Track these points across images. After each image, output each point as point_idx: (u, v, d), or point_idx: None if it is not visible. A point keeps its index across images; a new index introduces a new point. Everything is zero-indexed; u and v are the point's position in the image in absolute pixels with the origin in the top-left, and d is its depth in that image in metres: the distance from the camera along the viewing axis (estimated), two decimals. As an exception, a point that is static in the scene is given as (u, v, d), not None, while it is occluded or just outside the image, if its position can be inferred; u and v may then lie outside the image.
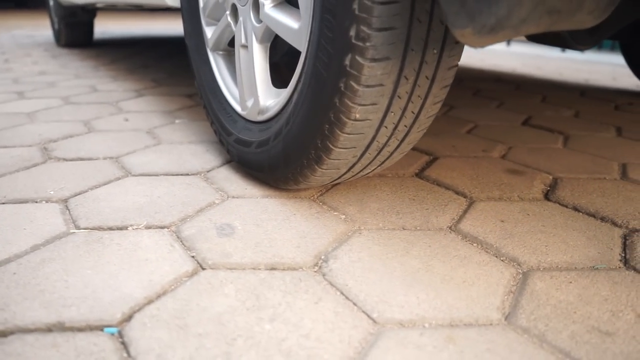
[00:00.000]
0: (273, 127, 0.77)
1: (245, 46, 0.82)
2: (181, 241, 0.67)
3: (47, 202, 0.80)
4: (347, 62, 0.58)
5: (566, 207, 0.81)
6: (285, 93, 0.74)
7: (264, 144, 0.78)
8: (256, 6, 0.77)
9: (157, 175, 0.91)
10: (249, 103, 0.84)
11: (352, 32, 0.56)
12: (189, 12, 0.99)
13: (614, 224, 0.75)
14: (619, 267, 0.63)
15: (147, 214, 0.75)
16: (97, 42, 3.42)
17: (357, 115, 0.62)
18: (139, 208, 0.77)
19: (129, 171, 0.93)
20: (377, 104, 0.61)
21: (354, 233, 0.70)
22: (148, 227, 0.71)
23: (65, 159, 1.01)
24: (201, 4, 0.95)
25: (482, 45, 0.48)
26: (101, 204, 0.78)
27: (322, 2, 0.59)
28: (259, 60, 0.79)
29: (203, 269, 0.61)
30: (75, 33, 3.02)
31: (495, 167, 0.98)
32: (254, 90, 0.81)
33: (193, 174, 0.92)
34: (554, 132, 1.28)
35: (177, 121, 1.31)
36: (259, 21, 0.76)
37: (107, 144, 1.10)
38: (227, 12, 0.86)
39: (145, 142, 1.12)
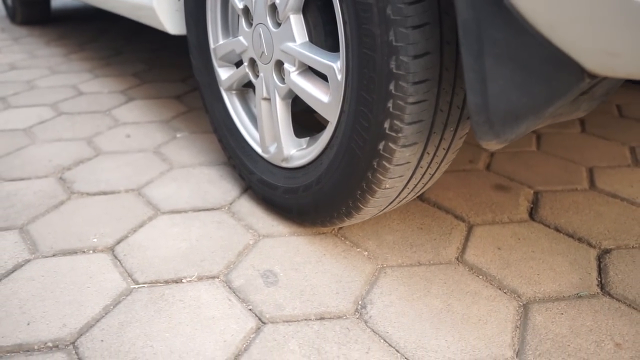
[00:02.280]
0: (301, 178, 0.86)
1: (267, 99, 0.89)
2: (235, 293, 0.77)
3: (94, 251, 0.88)
4: (380, 147, 0.68)
5: (549, 227, 0.95)
6: (313, 151, 0.83)
7: (292, 192, 0.88)
8: (278, 67, 0.84)
9: (185, 211, 1.00)
10: (272, 148, 0.92)
11: (386, 125, 0.66)
12: (199, 49, 1.04)
13: (589, 244, 0.90)
14: (597, 293, 0.78)
15: (194, 263, 0.84)
16: (54, 14, 3.29)
17: (387, 185, 0.72)
18: (184, 256, 0.86)
19: (157, 208, 1.01)
20: (403, 175, 0.72)
21: (380, 273, 0.82)
22: (200, 278, 0.80)
23: (88, 194, 1.07)
24: (212, 45, 1.01)
25: (499, 148, 0.59)
26: (148, 252, 0.87)
27: (358, 96, 0.68)
28: (282, 113, 0.87)
29: (264, 323, 0.71)
30: (31, 11, 2.90)
31: (483, 182, 1.11)
32: (277, 139, 0.89)
33: (218, 209, 1.00)
34: (526, 131, 1.41)
35: (178, 135, 1.37)
36: (282, 81, 0.84)
37: (122, 172, 1.16)
38: (245, 64, 0.92)
39: (158, 167, 1.18)
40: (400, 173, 0.71)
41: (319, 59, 0.74)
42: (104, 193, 1.07)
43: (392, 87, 0.63)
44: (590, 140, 1.35)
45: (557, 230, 0.94)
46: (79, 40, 2.58)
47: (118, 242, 0.90)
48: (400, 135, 0.66)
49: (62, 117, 1.51)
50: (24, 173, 1.17)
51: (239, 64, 0.99)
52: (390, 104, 0.64)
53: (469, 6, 0.51)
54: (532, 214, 1.00)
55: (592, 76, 0.52)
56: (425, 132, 0.68)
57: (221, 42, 0.99)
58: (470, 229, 0.94)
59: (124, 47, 2.41)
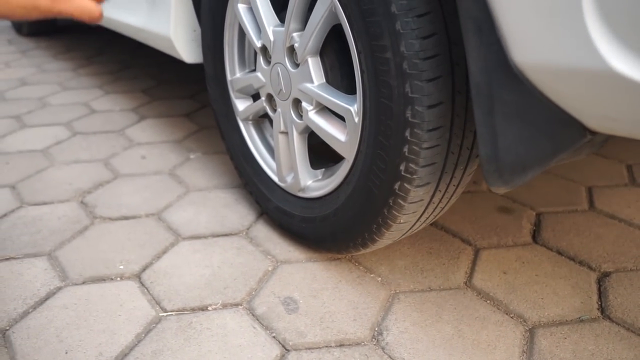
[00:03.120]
0: (318, 209, 0.91)
1: (284, 132, 0.94)
2: (258, 320, 0.82)
3: (121, 278, 0.93)
4: (396, 187, 0.73)
5: (551, 250, 1.00)
6: (330, 184, 0.88)
7: (310, 221, 0.93)
8: (296, 104, 0.89)
9: (205, 237, 1.04)
10: (288, 178, 0.97)
11: (402, 167, 0.71)
12: (216, 80, 1.09)
13: (590, 267, 0.95)
14: (598, 317, 0.83)
15: (218, 290, 0.89)
16: (59, 25, 3.32)
17: (402, 220, 0.77)
18: (207, 283, 0.91)
19: (178, 233, 1.06)
20: (417, 211, 0.77)
21: (394, 299, 0.87)
22: (225, 306, 0.85)
23: (110, 218, 1.12)
24: (229, 77, 1.05)
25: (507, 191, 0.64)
26: (173, 280, 0.92)
27: (375, 140, 0.73)
28: (299, 147, 0.92)
29: (287, 350, 0.77)
30: (38, 24, 2.94)
31: (487, 204, 1.16)
32: (294, 170, 0.94)
33: (236, 234, 1.05)
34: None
35: (191, 156, 1.42)
36: (300, 118, 0.89)
37: (141, 195, 1.21)
38: (263, 99, 0.97)
39: (175, 190, 1.23)
40: (414, 209, 0.76)
41: (337, 101, 0.79)
42: (126, 218, 1.12)
43: (407, 133, 0.68)
44: (589, 158, 1.40)
45: (559, 253, 0.99)
46: (86, 54, 2.62)
47: (144, 269, 0.95)
48: (415, 176, 0.71)
49: (78, 137, 1.56)
50: (46, 197, 1.22)
51: (255, 95, 1.04)
52: (405, 149, 0.69)
53: (481, 71, 0.56)
54: (535, 236, 1.05)
55: (593, 132, 0.57)
56: (437, 173, 0.73)
57: (238, 74, 1.04)
58: (476, 252, 0.99)
59: (130, 61, 2.45)
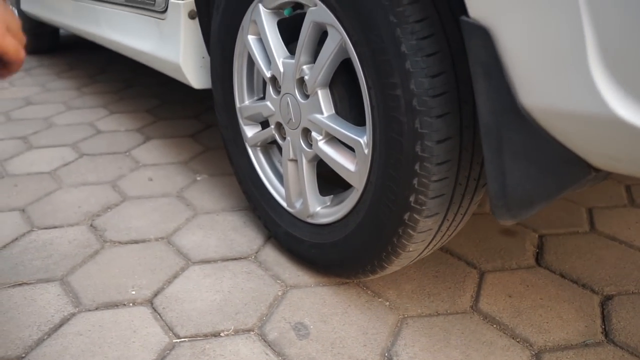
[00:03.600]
0: (327, 235, 0.93)
1: (293, 160, 0.96)
2: (270, 347, 0.84)
3: (134, 304, 0.94)
4: (405, 217, 0.75)
5: (554, 273, 1.02)
6: (339, 212, 0.90)
7: (319, 247, 0.95)
8: (305, 133, 0.91)
9: (215, 261, 1.06)
10: (297, 204, 0.99)
11: (412, 199, 0.73)
12: (225, 107, 1.11)
13: (593, 290, 0.97)
14: (602, 341, 0.85)
15: (230, 316, 0.91)
16: (61, 41, 3.35)
17: (411, 249, 0.80)
18: (219, 308, 0.93)
19: (188, 257, 1.07)
20: (425, 240, 0.79)
21: (402, 324, 0.89)
22: (237, 332, 0.87)
23: (120, 242, 1.14)
24: (238, 104, 1.08)
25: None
26: (185, 305, 0.93)
27: (385, 172, 0.75)
28: (308, 174, 0.94)
29: (300, 377, 0.78)
30: (41, 41, 2.96)
31: (491, 226, 1.18)
32: (302, 197, 0.96)
33: (245, 258, 1.07)
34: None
35: (198, 178, 1.44)
36: (310, 147, 0.91)
37: (150, 218, 1.23)
38: (272, 127, 0.99)
39: (183, 213, 1.25)
40: (423, 238, 0.78)
41: (347, 133, 0.81)
42: (135, 242, 1.14)
43: (417, 167, 0.71)
44: (589, 179, 1.42)
45: (562, 276, 1.02)
46: (89, 72, 2.65)
47: (155, 295, 0.97)
48: (424, 207, 0.73)
49: (85, 159, 1.57)
50: (56, 220, 1.23)
51: (264, 122, 1.06)
52: (415, 182, 0.72)
53: (490, 113, 0.58)
54: (539, 259, 1.07)
55: (597, 169, 0.60)
56: (445, 204, 0.75)
57: (246, 102, 1.06)
58: (481, 276, 1.01)
59: (133, 79, 2.48)
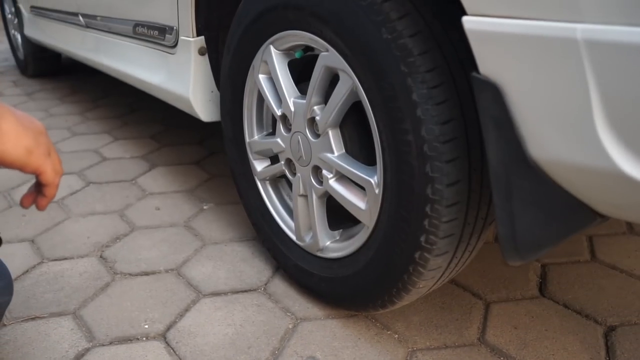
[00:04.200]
0: (337, 270, 0.95)
1: (304, 195, 0.99)
2: (284, 382, 0.85)
3: (147, 338, 0.96)
4: (416, 256, 0.78)
5: (558, 303, 1.05)
6: (349, 247, 0.92)
7: (329, 281, 0.97)
8: (316, 170, 0.94)
9: (225, 294, 1.08)
10: (307, 238, 1.01)
11: (422, 239, 0.76)
12: (234, 142, 1.14)
13: (596, 321, 1.00)
14: (607, 373, 0.88)
15: (243, 350, 0.92)
16: (63, 64, 3.39)
17: (421, 285, 0.82)
18: (231, 342, 0.94)
19: (199, 290, 1.09)
20: (434, 277, 0.82)
21: (411, 357, 0.91)
22: (250, 366, 0.89)
23: (130, 274, 1.15)
24: (247, 139, 1.11)
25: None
26: (198, 339, 0.95)
27: (396, 213, 0.78)
28: (318, 209, 0.96)
29: (314, 413, 0.80)
30: (43, 65, 3.00)
31: (494, 256, 1.21)
32: (312, 231, 0.99)
33: (255, 290, 1.09)
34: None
35: (205, 207, 1.46)
36: (320, 183, 0.94)
37: (159, 249, 1.25)
38: (282, 163, 1.02)
39: (192, 243, 1.27)
40: (433, 275, 0.81)
41: (357, 172, 0.84)
42: (146, 273, 1.16)
43: (428, 209, 0.73)
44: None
45: (566, 306, 1.04)
46: (92, 96, 2.68)
47: (168, 329, 0.98)
48: (434, 247, 0.76)
49: (92, 187, 1.59)
50: (66, 252, 1.25)
51: (273, 156, 1.09)
52: (426, 222, 0.74)
53: (500, 162, 0.61)
54: (542, 289, 1.09)
55: (603, 216, 0.63)
56: (455, 242, 0.77)
57: (256, 137, 1.09)
58: (487, 307, 1.04)
59: (136, 104, 2.51)
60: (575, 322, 1.00)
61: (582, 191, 0.59)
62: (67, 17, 2.03)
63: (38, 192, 0.67)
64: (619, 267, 1.17)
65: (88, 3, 1.78)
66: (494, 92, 0.58)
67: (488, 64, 0.58)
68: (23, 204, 0.67)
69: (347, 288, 0.93)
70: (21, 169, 0.60)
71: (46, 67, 3.04)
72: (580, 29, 0.49)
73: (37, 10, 2.47)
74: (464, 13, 0.60)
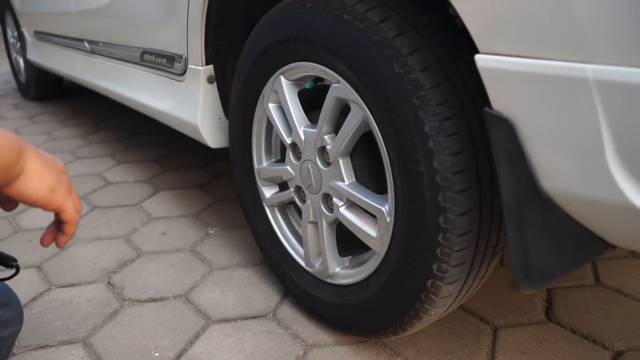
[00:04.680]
0: (348, 296, 0.96)
1: (313, 222, 1.00)
2: (296, 410, 0.86)
3: (158, 366, 0.96)
4: (428, 284, 0.79)
5: (565, 328, 1.06)
6: (360, 274, 0.93)
7: (339, 307, 0.97)
8: (326, 197, 0.95)
9: (235, 320, 1.08)
10: (316, 264, 1.02)
11: (434, 267, 0.77)
12: (243, 169, 1.16)
13: (603, 346, 1.01)
14: (617, 399, 0.88)
15: (254, 378, 0.93)
16: (65, 87, 3.41)
17: (432, 313, 0.83)
18: (242, 370, 0.95)
19: (208, 316, 1.10)
20: (446, 304, 0.83)
21: (423, 384, 0.91)
22: (262, 395, 0.89)
23: (139, 301, 1.16)
24: (256, 166, 1.12)
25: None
26: (209, 367, 0.95)
27: (408, 241, 0.79)
28: (328, 236, 0.98)
29: None
30: (45, 88, 3.02)
31: (500, 280, 1.22)
32: (322, 257, 1.00)
33: (264, 316, 1.10)
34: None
35: (210, 231, 1.47)
36: (330, 211, 0.95)
37: (166, 275, 1.25)
38: (292, 190, 1.04)
39: (199, 269, 1.28)
40: (444, 303, 0.82)
41: (368, 201, 0.86)
42: (154, 300, 1.16)
43: (440, 237, 0.75)
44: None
45: (573, 331, 1.05)
46: (93, 119, 2.70)
47: (179, 356, 0.98)
48: (446, 275, 0.77)
49: (97, 212, 1.60)
50: (73, 278, 1.25)
51: (282, 183, 1.10)
52: (438, 251, 0.76)
53: (512, 195, 0.63)
54: (549, 314, 1.10)
55: (613, 246, 0.64)
56: (466, 270, 0.79)
57: (264, 163, 1.11)
58: (495, 332, 1.04)
59: (138, 127, 2.53)
60: (583, 347, 1.01)
61: (593, 222, 0.60)
62: (72, 42, 2.06)
63: (58, 229, 0.68)
64: (624, 291, 1.18)
65: (94, 29, 1.80)
66: (507, 127, 0.60)
67: (501, 100, 0.60)
68: (43, 243, 0.68)
69: (357, 314, 0.94)
70: (44, 207, 0.62)
71: (48, 91, 3.06)
72: (591, 70, 0.51)
73: (40, 35, 2.51)
74: (475, 49, 0.62)
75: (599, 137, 0.54)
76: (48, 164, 0.62)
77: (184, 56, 1.26)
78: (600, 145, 0.54)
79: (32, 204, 0.61)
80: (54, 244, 1.40)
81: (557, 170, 0.58)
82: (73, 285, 1.23)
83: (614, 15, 0.50)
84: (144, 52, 1.46)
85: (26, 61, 2.89)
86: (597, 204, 0.57)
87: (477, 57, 0.61)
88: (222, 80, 1.24)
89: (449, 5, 0.73)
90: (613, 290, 1.18)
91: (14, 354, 1.00)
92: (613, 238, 0.61)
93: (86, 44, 1.91)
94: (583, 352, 0.99)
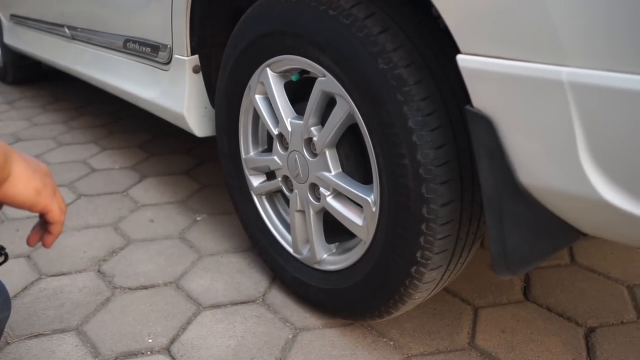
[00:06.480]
0: (335, 282, 0.99)
1: (301, 211, 1.03)
2: (288, 391, 0.90)
3: (152, 352, 0.99)
4: (412, 270, 0.83)
5: (541, 307, 1.11)
6: (346, 261, 0.97)
7: (327, 292, 1.01)
8: (313, 187, 0.98)
9: (225, 305, 1.12)
10: (304, 251, 1.06)
11: (418, 254, 0.81)
12: (230, 158, 1.17)
13: (577, 323, 1.06)
14: (588, 373, 0.94)
15: (246, 362, 0.96)
16: (44, 70, 3.35)
17: (416, 297, 0.87)
18: (235, 354, 0.98)
19: (199, 302, 1.13)
20: (429, 289, 0.87)
21: (407, 363, 0.96)
22: (254, 377, 0.93)
23: (130, 289, 1.18)
24: (243, 155, 1.14)
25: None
26: (201, 352, 0.99)
27: (393, 230, 0.83)
28: (315, 224, 1.01)
29: (318, 420, 0.84)
30: (24, 72, 2.97)
31: (481, 261, 1.27)
32: (310, 244, 1.03)
33: (253, 301, 1.13)
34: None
35: (198, 218, 1.49)
36: (317, 200, 0.98)
37: (156, 262, 1.27)
38: (279, 179, 1.06)
39: (188, 256, 1.30)
40: (427, 287, 0.86)
41: (354, 191, 0.89)
42: (145, 287, 1.18)
43: (423, 227, 0.78)
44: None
45: (549, 309, 1.10)
46: (74, 104, 2.67)
47: (172, 342, 1.01)
48: (429, 261, 0.81)
49: (83, 200, 1.61)
50: (63, 267, 1.27)
51: (269, 172, 1.13)
52: (421, 239, 0.79)
53: (492, 188, 0.66)
54: (526, 293, 1.15)
55: (586, 234, 0.68)
56: (448, 257, 0.82)
57: (252, 153, 1.13)
58: (476, 312, 1.09)
59: (120, 112, 2.51)
60: (558, 324, 1.06)
61: (567, 214, 0.64)
62: (52, 27, 2.03)
63: (44, 230, 0.70)
64: (597, 270, 1.24)
65: (74, 15, 1.78)
66: (487, 124, 0.63)
67: (481, 98, 0.63)
68: (30, 243, 0.71)
69: (345, 299, 0.98)
70: (30, 208, 0.64)
71: (26, 75, 3.01)
72: (566, 72, 0.55)
73: (17, 18, 2.46)
74: (456, 47, 0.64)
75: (573, 136, 0.57)
76: (33, 168, 0.64)
77: (168, 46, 1.26)
78: (573, 143, 0.57)
79: (19, 206, 0.63)
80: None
81: (534, 166, 0.62)
82: (63, 274, 1.24)
83: (588, 20, 0.52)
84: (127, 40, 1.46)
85: (3, 45, 2.83)
86: (571, 197, 0.61)
87: (459, 57, 0.63)
88: (208, 69, 1.25)
89: (432, 6, 0.76)
90: (587, 269, 1.24)
91: (9, 343, 1.02)
92: (585, 227, 0.65)
93: (66, 30, 1.88)
94: (558, 329, 1.05)
